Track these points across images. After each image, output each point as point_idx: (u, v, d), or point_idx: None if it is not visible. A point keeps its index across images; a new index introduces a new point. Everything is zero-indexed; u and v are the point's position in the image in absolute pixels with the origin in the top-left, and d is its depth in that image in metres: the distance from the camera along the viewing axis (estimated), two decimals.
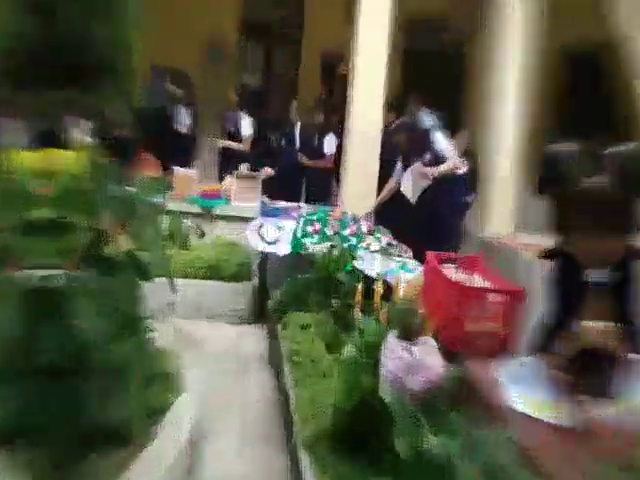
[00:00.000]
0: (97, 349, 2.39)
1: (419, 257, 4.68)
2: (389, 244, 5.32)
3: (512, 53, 6.86)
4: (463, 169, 6.22)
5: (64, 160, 4.66)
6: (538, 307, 3.92)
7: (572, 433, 2.38)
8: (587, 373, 2.60)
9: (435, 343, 2.94)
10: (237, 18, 10.18)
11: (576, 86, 9.84)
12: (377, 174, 6.62)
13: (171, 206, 5.29)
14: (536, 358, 2.71)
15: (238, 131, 7.19)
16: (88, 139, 5.55)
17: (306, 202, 6.95)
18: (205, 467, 3.20)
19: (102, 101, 2.64)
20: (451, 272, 3.75)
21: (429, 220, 5.76)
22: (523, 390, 2.64)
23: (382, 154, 6.65)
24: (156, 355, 3.47)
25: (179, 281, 4.84)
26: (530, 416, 2.48)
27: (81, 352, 2.40)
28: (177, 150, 7.29)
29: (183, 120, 7.57)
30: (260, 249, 5.39)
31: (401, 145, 5.95)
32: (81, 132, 5.66)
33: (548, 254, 3.55)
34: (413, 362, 2.81)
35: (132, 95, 2.79)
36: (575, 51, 9.53)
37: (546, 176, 3.04)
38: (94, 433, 2.47)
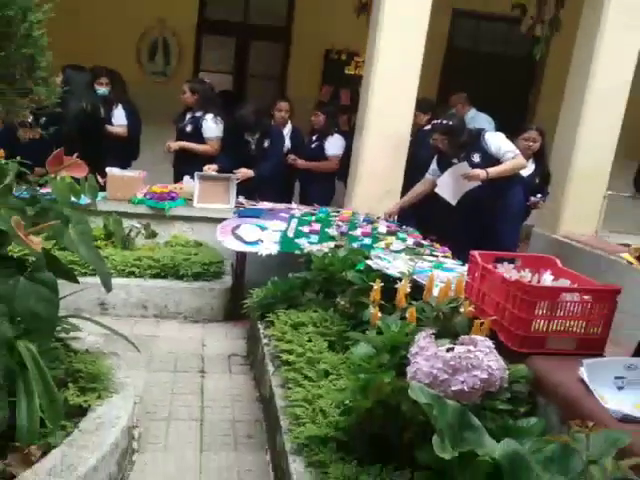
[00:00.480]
0: None
1: (463, 259, 4.83)
2: (418, 244, 5.53)
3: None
4: (529, 170, 6.51)
5: None
6: (633, 308, 3.93)
7: None
8: None
9: (490, 342, 2.95)
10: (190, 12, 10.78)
11: None
12: (402, 177, 6.87)
13: (108, 207, 5.99)
14: None
15: (199, 132, 7.38)
16: None
17: (302, 204, 7.20)
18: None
19: None
20: (510, 271, 3.83)
21: (478, 223, 5.96)
22: (634, 392, 2.74)
23: (409, 156, 6.98)
24: (79, 355, 3.50)
25: (120, 280, 5.34)
26: None
27: None
28: (113, 152, 7.73)
29: (119, 121, 8.05)
30: (237, 249, 5.67)
31: (439, 147, 6.06)
32: None
33: None
34: (461, 361, 2.70)
35: (37, 94, 3.04)
36: None
37: None
38: None
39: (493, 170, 5.72)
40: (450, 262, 4.92)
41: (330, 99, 10.86)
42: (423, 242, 5.59)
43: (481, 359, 2.79)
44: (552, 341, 3.23)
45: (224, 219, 5.95)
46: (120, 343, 3.72)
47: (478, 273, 3.81)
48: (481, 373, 2.75)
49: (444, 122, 6.00)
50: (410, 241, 5.54)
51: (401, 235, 5.77)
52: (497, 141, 5.92)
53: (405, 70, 6.68)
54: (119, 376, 3.38)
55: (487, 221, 5.94)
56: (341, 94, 11.13)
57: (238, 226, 5.66)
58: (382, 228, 5.90)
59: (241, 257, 5.93)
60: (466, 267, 4.21)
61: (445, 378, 2.74)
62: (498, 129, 7.12)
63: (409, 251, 5.17)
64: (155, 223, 6.20)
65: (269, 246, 5.33)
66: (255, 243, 5.42)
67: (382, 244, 5.31)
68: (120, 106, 7.95)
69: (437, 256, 5.09)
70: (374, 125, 6.84)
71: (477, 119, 8.34)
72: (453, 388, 2.72)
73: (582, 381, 2.81)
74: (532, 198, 6.51)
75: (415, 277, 4.15)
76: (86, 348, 3.61)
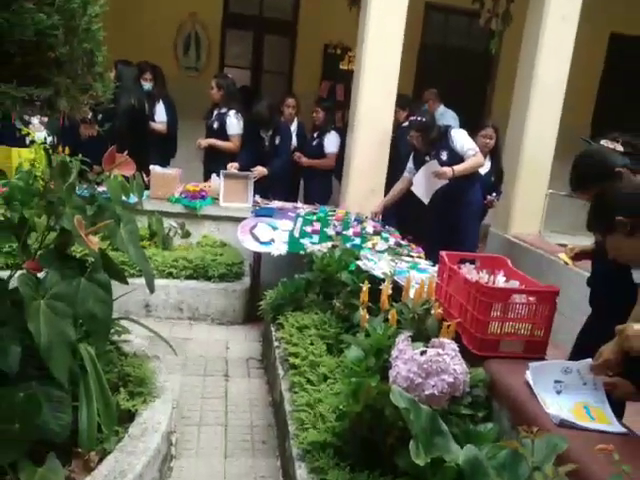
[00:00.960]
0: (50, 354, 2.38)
1: (433, 257, 4.58)
2: (397, 244, 5.24)
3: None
4: (486, 168, 6.16)
5: (19, 158, 4.60)
6: (568, 309, 3.83)
7: (626, 440, 2.35)
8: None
9: (455, 345, 2.82)
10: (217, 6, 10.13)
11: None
12: (385, 174, 6.56)
13: (151, 206, 5.53)
14: (582, 364, 2.62)
15: (224, 129, 7.03)
16: (44, 135, 5.63)
17: (305, 202, 6.93)
18: None
19: (59, 96, 2.62)
20: (471, 272, 3.61)
21: (445, 221, 5.66)
22: (569, 396, 2.60)
23: (390, 154, 6.62)
24: (128, 358, 3.39)
25: (160, 282, 5.06)
26: (576, 423, 2.43)
27: (30, 357, 2.43)
28: (154, 148, 7.36)
29: (160, 117, 7.60)
30: (254, 249, 5.37)
31: (415, 143, 5.77)
32: (37, 129, 5.71)
33: (585, 254, 3.44)
34: (432, 365, 2.60)
35: (95, 90, 2.81)
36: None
37: (585, 175, 3.05)
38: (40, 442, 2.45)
39: (457, 168, 5.39)
40: (423, 263, 4.66)
41: (328, 95, 10.27)
42: (402, 242, 5.32)
43: (448, 363, 2.70)
44: (504, 344, 3.06)
45: (244, 218, 5.68)
46: (161, 345, 3.59)
47: (446, 274, 3.58)
48: (448, 377, 2.65)
49: (419, 119, 5.69)
50: (392, 241, 5.27)
51: (384, 235, 5.49)
52: (461, 138, 5.59)
53: (387, 65, 6.33)
54: (160, 380, 3.24)
55: (453, 220, 5.64)
56: (337, 89, 10.47)
57: (255, 225, 5.41)
58: (369, 228, 5.64)
59: (257, 257, 5.66)
60: (437, 268, 3.94)
61: (419, 382, 2.65)
62: (461, 125, 6.89)
63: (391, 251, 4.92)
64: (188, 222, 5.88)
65: (279, 246, 5.07)
66: (268, 243, 5.16)
67: (369, 244, 5.05)
68: (161, 102, 7.50)
69: (413, 257, 4.83)
70: (362, 123, 6.48)
71: (445, 115, 7.95)
72: (426, 392, 2.62)
73: (529, 385, 2.69)
74: (488, 197, 6.16)
75: (395, 278, 3.94)
76: (134, 351, 3.47)
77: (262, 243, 5.20)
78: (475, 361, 3.02)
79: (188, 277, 5.34)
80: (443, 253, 3.70)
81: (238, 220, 5.71)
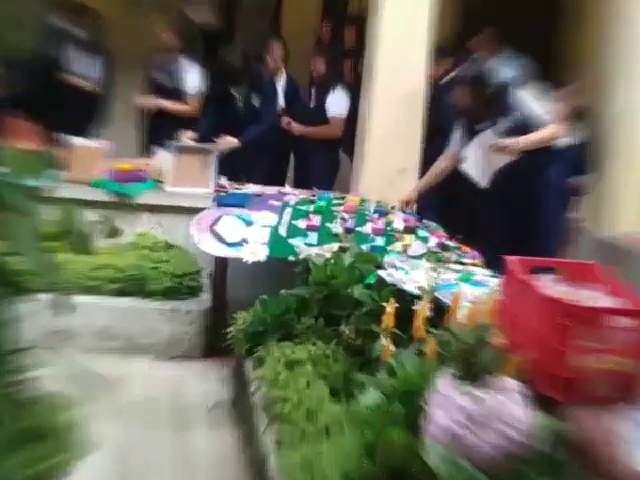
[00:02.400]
0: None
1: (495, 264, 4.65)
2: (442, 246, 5.38)
3: None
4: (567, 140, 6.28)
5: None
6: None
7: None
8: None
9: (519, 386, 3.00)
10: None
11: None
12: (419, 149, 6.68)
13: (66, 192, 5.43)
14: None
15: (179, 86, 7.17)
16: None
17: (297, 186, 7.02)
18: None
19: None
20: (549, 285, 3.72)
21: (513, 212, 5.79)
22: None
23: (427, 120, 6.78)
24: (38, 404, 3.48)
25: (78, 299, 4.90)
26: None
27: None
28: (74, 113, 7.47)
29: (86, 71, 7.75)
30: (216, 254, 5.47)
31: (462, 106, 5.91)
32: None
33: None
34: (484, 413, 2.75)
35: None
36: None
37: None
38: None
39: (525, 139, 5.59)
40: (480, 273, 4.77)
41: (331, 39, 10.21)
42: (448, 243, 5.40)
43: (510, 411, 2.85)
44: (598, 386, 3.15)
45: (202, 209, 5.74)
46: (81, 386, 3.72)
47: (513, 289, 3.72)
48: (509, 430, 2.81)
49: (466, 72, 5.98)
50: (433, 242, 5.35)
51: (421, 233, 5.54)
52: (528, 99, 5.80)
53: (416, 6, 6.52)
54: (80, 434, 3.36)
55: (524, 211, 5.75)
56: (345, 33, 10.30)
57: (218, 219, 5.49)
58: (398, 223, 5.67)
59: (222, 265, 5.74)
60: (499, 280, 4.06)
61: (467, 436, 2.80)
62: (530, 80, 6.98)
63: (431, 256, 5.03)
64: (117, 215, 5.79)
65: (256, 249, 5.15)
66: (239, 245, 5.24)
67: (398, 246, 5.17)
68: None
69: (465, 264, 4.94)
70: (382, 76, 6.67)
71: (504, 68, 7.92)
72: (481, 450, 2.77)
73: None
74: (574, 179, 6.27)
75: (437, 295, 4.04)
76: (40, 395, 3.62)
77: (229, 245, 5.29)
78: (552, 408, 3.14)
79: (119, 293, 5.43)
80: (510, 258, 3.82)
81: (193, 212, 5.79)
